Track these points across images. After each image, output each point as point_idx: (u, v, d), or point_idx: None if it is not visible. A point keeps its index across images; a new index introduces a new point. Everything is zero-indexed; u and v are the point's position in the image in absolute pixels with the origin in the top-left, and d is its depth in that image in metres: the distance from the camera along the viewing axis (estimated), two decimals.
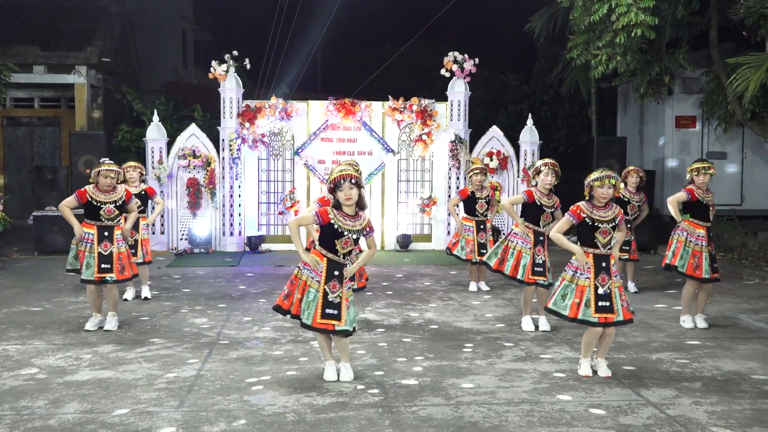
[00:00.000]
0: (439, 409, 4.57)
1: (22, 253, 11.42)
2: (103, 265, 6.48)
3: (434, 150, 12.10)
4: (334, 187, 4.95)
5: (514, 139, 12.30)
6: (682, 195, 6.73)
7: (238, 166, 11.80)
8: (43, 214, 11.39)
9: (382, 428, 4.26)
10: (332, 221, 4.94)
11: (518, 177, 12.14)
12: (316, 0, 16.62)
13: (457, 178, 11.91)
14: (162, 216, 11.73)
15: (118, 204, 6.56)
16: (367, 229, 5.11)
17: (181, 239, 11.83)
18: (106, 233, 6.53)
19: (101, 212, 6.49)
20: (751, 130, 12.47)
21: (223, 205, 11.86)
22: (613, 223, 5.18)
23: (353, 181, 4.93)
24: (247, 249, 11.73)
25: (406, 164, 12.18)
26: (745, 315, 7.36)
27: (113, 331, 6.54)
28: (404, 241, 12.00)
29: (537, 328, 6.64)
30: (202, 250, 11.65)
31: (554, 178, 6.60)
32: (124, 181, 7.74)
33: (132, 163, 8.08)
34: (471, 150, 12.04)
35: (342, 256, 5.04)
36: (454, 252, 8.55)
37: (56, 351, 5.92)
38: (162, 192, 11.69)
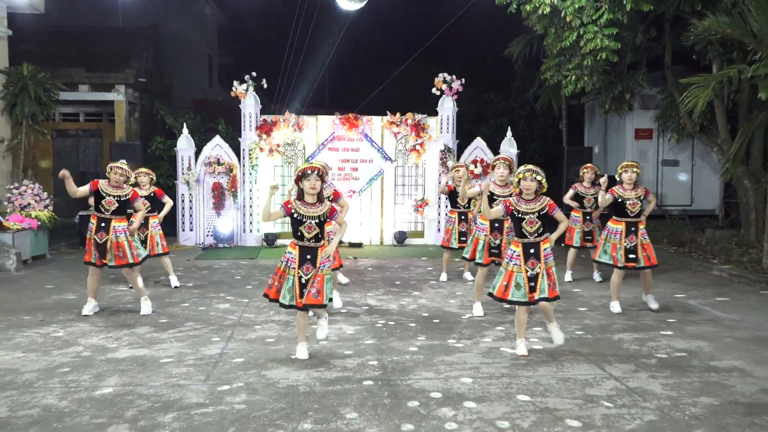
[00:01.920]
0: (431, 382, 4.58)
1: (69, 247, 11.42)
2: (96, 252, 6.43)
3: (426, 158, 12.11)
4: (302, 176, 4.94)
5: (495, 149, 12.30)
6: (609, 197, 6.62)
7: (256, 172, 11.81)
8: (87, 214, 11.33)
9: (381, 398, 4.27)
10: (293, 211, 4.94)
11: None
12: (324, 28, 16.61)
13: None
14: (191, 215, 11.74)
15: (120, 200, 6.48)
16: (329, 214, 5.01)
17: (208, 235, 11.82)
18: (103, 224, 6.45)
19: (103, 202, 6.43)
20: (699, 140, 12.49)
21: (244, 206, 11.86)
22: (540, 214, 5.13)
23: (318, 173, 4.94)
24: (264, 244, 11.73)
25: (402, 170, 12.18)
26: (694, 300, 7.37)
27: (148, 315, 6.54)
28: (400, 237, 12.01)
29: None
30: (225, 245, 11.64)
31: (507, 171, 6.58)
32: (137, 185, 7.75)
33: (143, 170, 8.01)
34: (458, 158, 12.04)
35: (309, 240, 4.96)
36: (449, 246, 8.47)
37: (99, 332, 5.92)
38: (191, 194, 11.71)
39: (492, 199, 6.63)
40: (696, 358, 5.16)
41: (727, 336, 5.84)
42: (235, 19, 25.80)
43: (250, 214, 11.85)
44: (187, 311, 6.78)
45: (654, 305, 6.74)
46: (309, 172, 4.92)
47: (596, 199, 8.28)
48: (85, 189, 6.46)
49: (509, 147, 12.17)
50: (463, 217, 8.28)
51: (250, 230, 11.86)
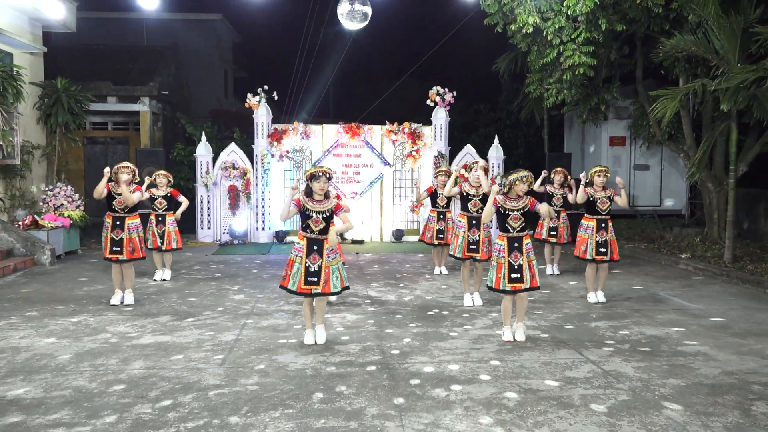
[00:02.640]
0: (426, 366, 4.57)
1: (98, 244, 11.38)
2: (113, 248, 6.42)
3: (421, 163, 12.08)
4: (311, 177, 4.99)
5: (483, 155, 12.28)
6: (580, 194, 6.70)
7: (268, 176, 11.78)
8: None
9: (380, 380, 4.26)
10: (303, 206, 4.98)
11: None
12: (329, 46, 16.57)
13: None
14: (209, 215, 11.71)
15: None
16: (336, 209, 5.04)
17: (224, 233, 11.79)
18: (117, 222, 6.45)
19: (114, 202, 6.41)
20: (667, 147, 12.48)
21: (257, 206, 11.83)
22: (523, 211, 5.13)
23: (327, 176, 5.01)
24: (275, 241, 11.70)
25: (399, 174, 12.15)
26: (663, 291, 7.37)
27: (164, 304, 6.52)
28: (398, 235, 11.99)
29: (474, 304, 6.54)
30: (240, 241, 11.62)
31: (483, 173, 6.55)
32: (154, 186, 7.75)
33: (161, 172, 7.97)
34: (450, 163, 12.02)
35: (316, 233, 4.99)
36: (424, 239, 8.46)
37: (125, 320, 5.91)
38: (209, 196, 11.69)
39: (468, 199, 6.62)
40: (665, 344, 5.16)
41: (692, 323, 5.84)
42: (249, 37, 25.77)
43: (263, 214, 11.82)
44: (205, 301, 6.76)
45: (603, 300, 6.69)
46: (319, 174, 4.98)
47: (564, 198, 8.31)
48: (101, 189, 6.39)
49: (496, 153, 12.15)
50: (441, 216, 8.26)
51: (263, 228, 11.83)
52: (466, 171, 6.90)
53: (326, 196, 5.06)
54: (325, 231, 5.03)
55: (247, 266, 9.16)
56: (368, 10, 9.65)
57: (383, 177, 12.07)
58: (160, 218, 7.79)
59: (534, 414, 3.70)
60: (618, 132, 13.60)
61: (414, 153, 11.92)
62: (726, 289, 7.49)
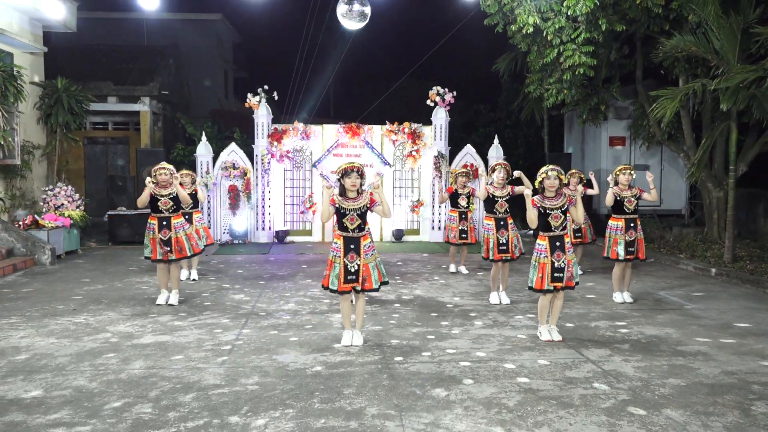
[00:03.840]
0: (426, 365, 4.56)
1: (98, 243, 11.40)
2: (164, 248, 6.43)
3: (422, 163, 12.08)
4: (343, 174, 4.90)
5: (483, 155, 12.28)
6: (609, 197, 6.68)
7: (268, 176, 11.77)
8: (115, 213, 11.37)
9: (380, 380, 4.25)
10: (337, 205, 4.90)
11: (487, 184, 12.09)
12: (329, 46, 16.56)
13: (440, 185, 11.91)
14: (209, 214, 11.71)
15: (172, 196, 6.49)
16: (370, 204, 4.93)
17: (224, 233, 11.79)
18: (164, 222, 6.47)
19: (159, 204, 6.43)
20: (667, 147, 12.47)
21: (257, 206, 11.83)
22: (563, 209, 5.08)
23: (359, 172, 4.92)
24: (276, 240, 11.70)
25: (399, 174, 12.15)
26: (663, 291, 7.37)
27: (171, 304, 6.52)
28: (398, 235, 11.99)
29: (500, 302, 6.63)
30: (240, 241, 11.62)
31: (506, 174, 6.57)
32: (180, 185, 7.73)
33: (185, 171, 8.01)
34: (450, 163, 12.02)
35: (352, 231, 4.91)
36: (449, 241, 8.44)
37: (125, 320, 5.90)
38: (210, 195, 11.69)
39: (494, 201, 6.61)
40: (665, 344, 5.16)
41: (692, 323, 5.84)
42: (249, 37, 25.79)
43: (263, 214, 11.82)
44: (205, 301, 6.76)
45: (629, 299, 6.72)
46: (350, 170, 4.89)
47: (582, 198, 8.29)
48: (145, 198, 6.38)
49: (496, 153, 12.14)
50: (463, 216, 8.30)
51: (263, 228, 11.83)
52: (491, 171, 6.84)
53: (359, 192, 4.96)
54: (361, 228, 4.92)
55: (247, 266, 9.16)
56: (368, 10, 9.64)
57: (383, 177, 12.06)
58: (186, 217, 7.13)
59: (534, 414, 3.70)
60: (618, 132, 13.59)
61: (414, 153, 11.92)
62: (726, 289, 7.49)
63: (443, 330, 5.56)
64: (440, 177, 11.88)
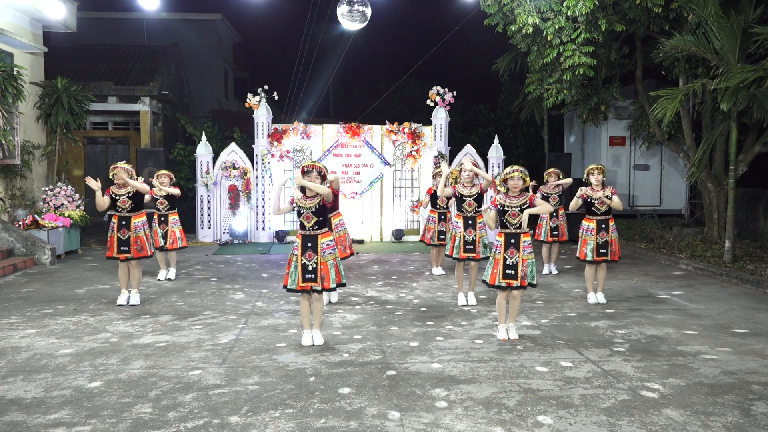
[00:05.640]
0: (426, 366, 4.56)
1: (98, 243, 11.39)
2: (121, 247, 6.41)
3: (421, 163, 12.07)
4: (303, 173, 4.98)
5: (483, 155, 12.28)
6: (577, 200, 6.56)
7: (268, 176, 11.78)
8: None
9: (380, 380, 4.25)
10: (295, 204, 5.01)
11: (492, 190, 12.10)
12: (329, 46, 16.57)
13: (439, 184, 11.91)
14: (209, 214, 11.71)
15: (130, 196, 6.46)
16: (323, 204, 4.97)
17: (224, 233, 11.79)
18: (123, 222, 6.44)
19: (118, 203, 6.41)
20: (667, 147, 12.48)
21: (257, 206, 11.82)
22: (522, 208, 5.12)
23: (319, 171, 4.98)
24: (275, 240, 11.70)
25: (399, 174, 12.15)
26: (663, 291, 7.37)
27: (164, 304, 6.51)
28: (398, 235, 11.99)
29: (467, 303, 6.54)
30: (240, 241, 11.62)
31: (472, 176, 6.49)
32: (152, 186, 7.78)
33: (163, 171, 8.01)
34: (450, 163, 12.02)
35: (310, 228, 4.97)
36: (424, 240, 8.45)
37: (125, 320, 5.90)
38: (209, 195, 11.69)
39: (462, 200, 6.60)
40: (664, 344, 5.15)
41: (692, 323, 5.83)
42: (249, 37, 25.79)
43: (263, 214, 11.82)
44: (205, 301, 6.76)
45: (603, 300, 6.66)
46: (311, 169, 4.98)
47: (559, 197, 8.31)
48: (105, 200, 6.39)
49: (496, 153, 12.15)
50: (442, 217, 8.26)
51: (263, 228, 11.83)
52: (460, 172, 6.80)
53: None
54: (320, 225, 4.98)
55: (247, 266, 9.16)
56: (368, 10, 9.65)
57: (383, 177, 12.07)
58: (162, 218, 7.87)
59: (534, 414, 3.70)
60: (618, 132, 13.59)
61: (414, 153, 11.92)
62: (726, 289, 7.49)
63: (443, 330, 5.56)
64: (440, 177, 11.85)
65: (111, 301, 6.71)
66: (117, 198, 6.44)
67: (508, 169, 5.22)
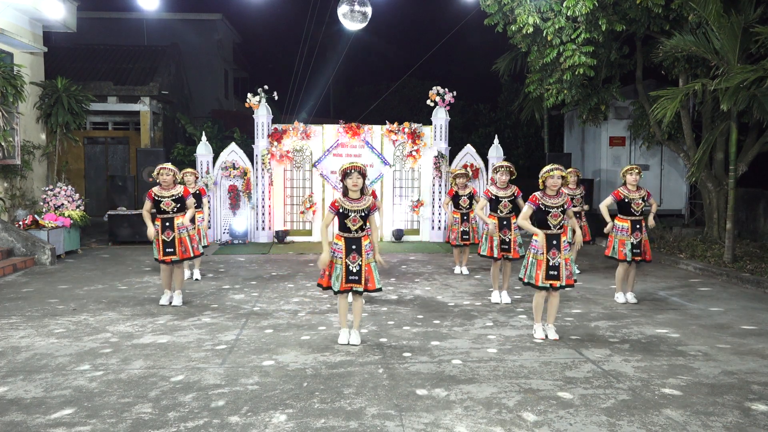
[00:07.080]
0: (426, 365, 4.56)
1: (99, 243, 11.39)
2: (167, 249, 6.42)
3: (422, 163, 12.08)
4: (344, 175, 4.90)
5: (483, 155, 12.29)
6: (608, 199, 6.69)
7: (269, 176, 11.77)
8: (115, 213, 11.35)
9: (380, 380, 4.25)
10: (340, 207, 4.90)
11: (488, 184, 12.09)
12: (329, 46, 16.58)
13: (440, 185, 11.91)
14: (209, 214, 11.71)
15: (175, 198, 6.48)
16: (372, 208, 4.95)
17: (224, 233, 11.79)
18: (167, 223, 6.44)
19: (162, 205, 6.42)
20: (667, 147, 12.48)
21: (257, 206, 11.83)
22: (563, 208, 5.15)
23: (360, 171, 4.91)
24: (276, 240, 11.70)
25: (399, 174, 12.15)
26: (663, 291, 7.37)
27: (172, 305, 6.52)
28: (398, 234, 11.99)
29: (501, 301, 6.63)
30: (240, 241, 11.62)
31: (508, 177, 6.55)
32: (183, 183, 7.71)
33: (189, 170, 8.00)
34: (450, 163, 12.02)
35: (355, 232, 4.92)
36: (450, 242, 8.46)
37: (126, 320, 5.90)
38: (209, 195, 11.69)
39: (497, 201, 6.61)
40: (664, 344, 5.15)
41: (692, 323, 5.83)
42: (249, 37, 25.80)
43: (263, 214, 11.82)
44: (205, 301, 6.76)
45: (633, 300, 6.71)
46: (351, 170, 4.88)
47: (582, 197, 8.32)
48: (148, 206, 6.40)
49: (496, 153, 12.15)
50: (465, 218, 8.30)
51: (263, 228, 11.83)
52: (494, 173, 6.79)
53: (362, 192, 4.96)
54: (363, 229, 4.94)
55: (247, 266, 9.16)
56: (368, 10, 9.65)
57: (383, 177, 12.07)
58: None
59: (534, 414, 3.69)
60: (618, 132, 13.59)
61: (414, 153, 11.92)
62: (726, 289, 7.49)
63: (443, 330, 5.56)
64: (440, 177, 11.87)
65: (111, 301, 6.72)
66: (161, 200, 6.40)
67: (547, 167, 5.16)
